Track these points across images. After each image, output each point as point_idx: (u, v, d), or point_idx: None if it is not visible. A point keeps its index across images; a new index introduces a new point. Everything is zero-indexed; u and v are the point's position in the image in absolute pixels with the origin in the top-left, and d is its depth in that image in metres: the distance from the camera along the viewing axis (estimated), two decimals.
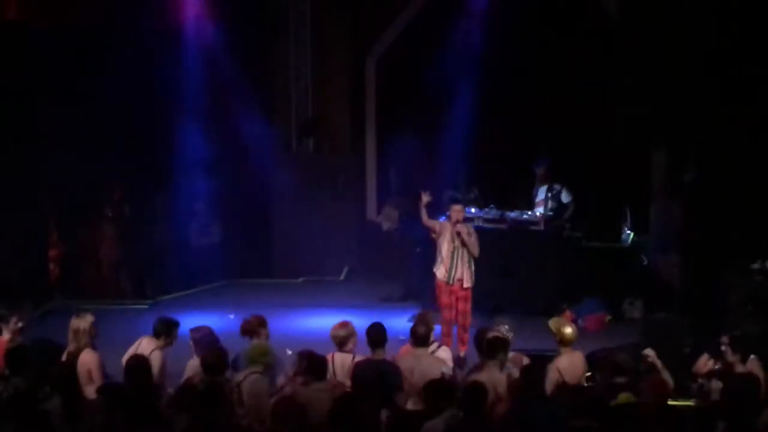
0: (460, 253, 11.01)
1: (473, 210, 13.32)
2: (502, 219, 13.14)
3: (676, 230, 12.75)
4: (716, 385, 8.59)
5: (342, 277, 15.48)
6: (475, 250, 11.03)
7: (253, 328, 8.96)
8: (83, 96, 12.79)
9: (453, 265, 10.99)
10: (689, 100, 12.08)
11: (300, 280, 15.17)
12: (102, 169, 13.43)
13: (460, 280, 11.03)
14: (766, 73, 11.63)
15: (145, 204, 14.57)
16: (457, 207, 11.06)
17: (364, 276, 15.20)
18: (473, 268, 11.08)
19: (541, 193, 13.44)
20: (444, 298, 11.08)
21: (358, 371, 8.14)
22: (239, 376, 8.11)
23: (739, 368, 8.52)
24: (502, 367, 8.15)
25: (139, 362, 7.93)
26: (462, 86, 14.87)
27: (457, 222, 10.99)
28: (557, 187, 13.39)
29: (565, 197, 13.37)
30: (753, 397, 7.10)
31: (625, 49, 13.12)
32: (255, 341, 8.78)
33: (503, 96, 14.81)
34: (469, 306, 11.07)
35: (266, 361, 8.27)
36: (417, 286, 13.69)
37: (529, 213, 13.11)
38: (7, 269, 12.38)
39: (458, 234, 10.96)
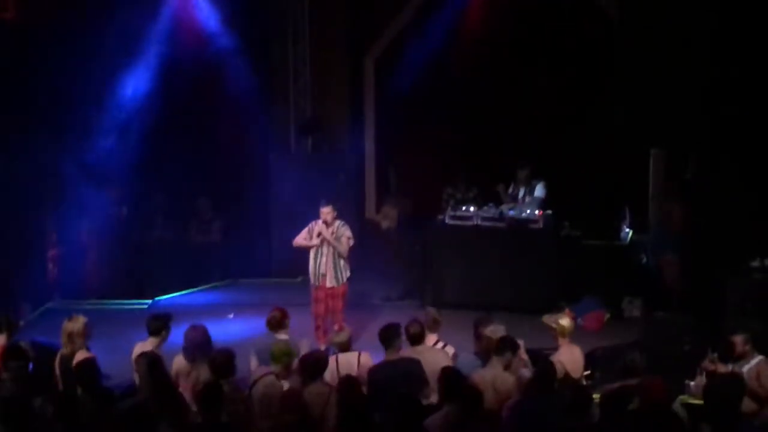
0: (323, 253, 11.32)
1: (472, 209, 13.31)
2: (500, 217, 13.13)
3: (676, 228, 12.74)
4: (699, 380, 8.62)
5: None
6: (341, 250, 11.32)
7: (279, 321, 9.09)
8: (82, 95, 12.78)
9: (317, 265, 11.36)
10: (689, 100, 12.06)
11: (299, 279, 15.10)
12: (99, 168, 13.42)
13: (324, 279, 11.34)
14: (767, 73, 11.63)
15: (144, 203, 14.56)
16: (325, 209, 11.31)
17: (362, 275, 15.16)
18: (341, 266, 11.37)
19: (521, 193, 13.46)
20: (312, 293, 11.46)
21: (378, 374, 8.08)
22: (256, 374, 8.13)
23: (721, 368, 8.51)
24: (507, 366, 8.16)
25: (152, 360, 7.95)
26: (460, 85, 14.83)
27: (325, 222, 11.28)
28: (534, 182, 13.41)
29: (539, 191, 13.36)
30: (730, 398, 7.00)
31: (625, 48, 13.11)
32: (281, 337, 8.88)
33: (502, 95, 14.80)
34: (339, 303, 11.35)
35: (287, 362, 8.29)
36: (416, 285, 13.71)
37: (528, 211, 13.08)
38: (5, 269, 12.36)
39: (319, 234, 11.27)
